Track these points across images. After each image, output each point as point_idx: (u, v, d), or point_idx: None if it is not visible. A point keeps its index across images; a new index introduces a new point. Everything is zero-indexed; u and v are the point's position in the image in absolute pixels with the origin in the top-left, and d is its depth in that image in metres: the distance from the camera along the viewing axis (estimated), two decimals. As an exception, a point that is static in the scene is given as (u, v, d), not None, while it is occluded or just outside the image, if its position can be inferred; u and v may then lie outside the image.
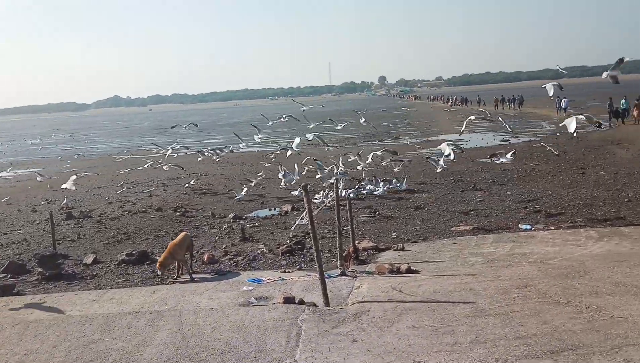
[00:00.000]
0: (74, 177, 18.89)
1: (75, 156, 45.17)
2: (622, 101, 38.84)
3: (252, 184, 21.10)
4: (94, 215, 18.49)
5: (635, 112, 36.67)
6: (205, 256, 12.46)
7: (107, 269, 12.24)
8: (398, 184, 19.43)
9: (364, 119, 22.39)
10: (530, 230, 13.17)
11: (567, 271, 8.91)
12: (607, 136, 31.75)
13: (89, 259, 12.84)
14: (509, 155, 19.29)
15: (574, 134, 16.09)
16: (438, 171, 20.77)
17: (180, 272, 11.30)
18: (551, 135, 35.73)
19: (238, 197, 19.63)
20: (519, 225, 13.61)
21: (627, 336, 6.13)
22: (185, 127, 29.32)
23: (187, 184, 23.12)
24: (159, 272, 11.13)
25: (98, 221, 17.51)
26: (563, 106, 51.23)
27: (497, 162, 17.59)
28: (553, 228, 13.17)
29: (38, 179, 25.93)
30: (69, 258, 13.31)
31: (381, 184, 19.16)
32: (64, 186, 18.65)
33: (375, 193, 18.69)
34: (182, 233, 12.05)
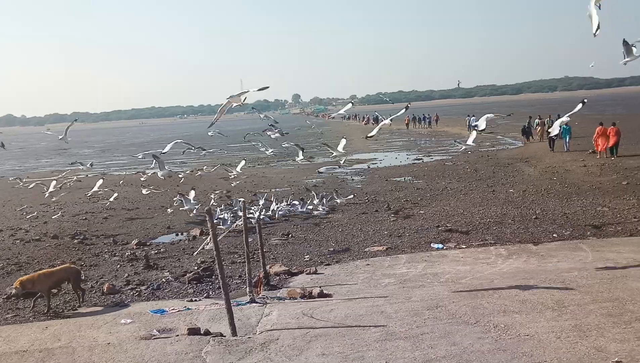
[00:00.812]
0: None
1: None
2: (537, 120, 41.03)
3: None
4: (-21, 245, 17.36)
5: (538, 130, 38.89)
6: (105, 287, 11.95)
7: (-6, 304, 11.47)
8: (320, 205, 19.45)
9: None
10: (442, 249, 13.56)
11: (477, 290, 9.21)
12: (515, 154, 33.40)
13: (-27, 294, 11.99)
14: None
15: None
16: (338, 201, 20.51)
17: (80, 301, 10.82)
18: (463, 153, 37.13)
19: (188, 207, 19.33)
20: (431, 244, 13.98)
21: (532, 354, 6.38)
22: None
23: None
24: (13, 290, 10.63)
25: (-16, 252, 16.45)
26: (473, 124, 53.79)
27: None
28: (464, 246, 13.62)
29: None
30: (-51, 293, 12.37)
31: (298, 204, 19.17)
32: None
33: (315, 212, 18.80)
34: (64, 265, 11.46)
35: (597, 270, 10.30)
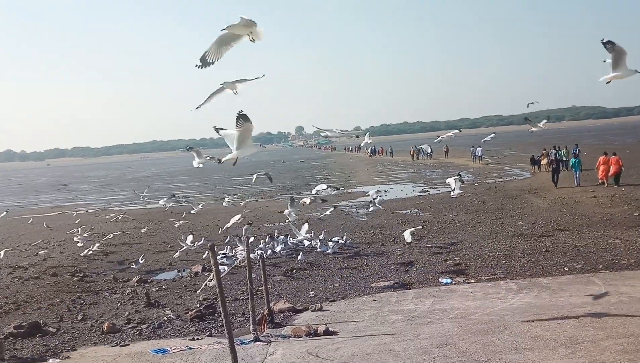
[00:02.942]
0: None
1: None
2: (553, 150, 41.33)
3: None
4: (-23, 283, 17.31)
5: (543, 161, 39.09)
6: (106, 326, 11.90)
7: (-9, 345, 11.39)
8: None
9: None
10: (451, 283, 13.47)
11: (488, 326, 9.13)
12: (524, 186, 33.37)
13: (-31, 335, 11.91)
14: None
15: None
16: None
17: None
18: (470, 185, 37.13)
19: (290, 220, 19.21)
20: (440, 279, 13.90)
21: (546, 393, 6.28)
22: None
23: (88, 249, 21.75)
24: None
25: (-18, 290, 16.40)
26: (478, 155, 54.61)
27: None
28: (473, 281, 13.53)
29: None
30: (-55, 334, 12.30)
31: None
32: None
33: (329, 251, 18.13)
34: None
35: (610, 304, 10.21)
